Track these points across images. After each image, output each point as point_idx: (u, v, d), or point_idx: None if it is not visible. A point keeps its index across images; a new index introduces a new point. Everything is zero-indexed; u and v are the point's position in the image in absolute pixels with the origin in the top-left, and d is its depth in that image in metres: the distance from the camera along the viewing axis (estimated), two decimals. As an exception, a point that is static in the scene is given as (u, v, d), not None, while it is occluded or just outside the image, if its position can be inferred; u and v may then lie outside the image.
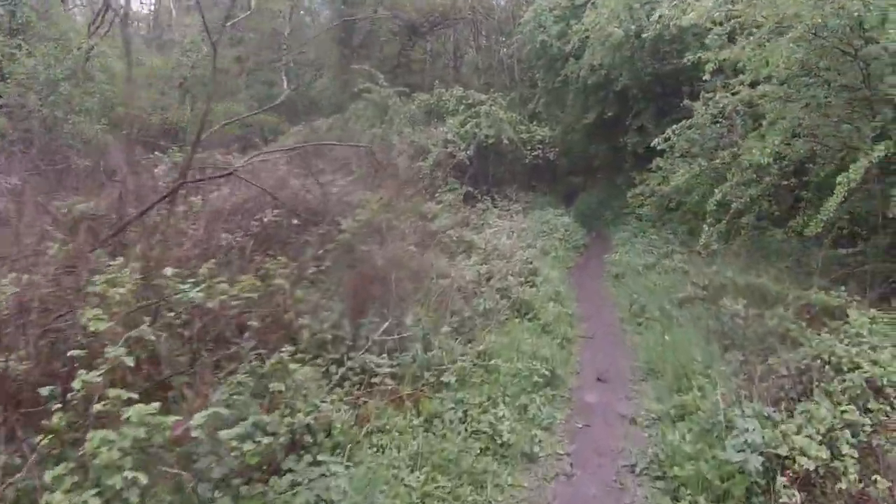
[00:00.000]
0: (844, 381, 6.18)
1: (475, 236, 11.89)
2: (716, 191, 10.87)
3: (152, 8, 44.88)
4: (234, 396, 5.12)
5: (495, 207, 18.59)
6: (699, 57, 10.82)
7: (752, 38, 9.77)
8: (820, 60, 10.12)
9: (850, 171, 8.00)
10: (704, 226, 10.85)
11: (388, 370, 6.83)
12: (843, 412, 5.59)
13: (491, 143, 19.69)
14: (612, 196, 23.54)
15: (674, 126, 12.14)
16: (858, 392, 6.03)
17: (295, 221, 9.37)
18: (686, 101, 14.37)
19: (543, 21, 21.47)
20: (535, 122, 21.53)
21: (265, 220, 9.14)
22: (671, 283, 11.18)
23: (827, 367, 6.56)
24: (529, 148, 19.89)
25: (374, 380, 6.73)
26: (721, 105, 12.56)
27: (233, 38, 34.03)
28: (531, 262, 11.64)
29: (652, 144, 13.55)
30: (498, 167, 20.68)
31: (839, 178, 7.97)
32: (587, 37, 17.99)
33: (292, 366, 5.89)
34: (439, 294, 8.32)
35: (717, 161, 11.63)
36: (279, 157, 11.69)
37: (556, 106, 23.21)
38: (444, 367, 6.97)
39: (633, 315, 10.40)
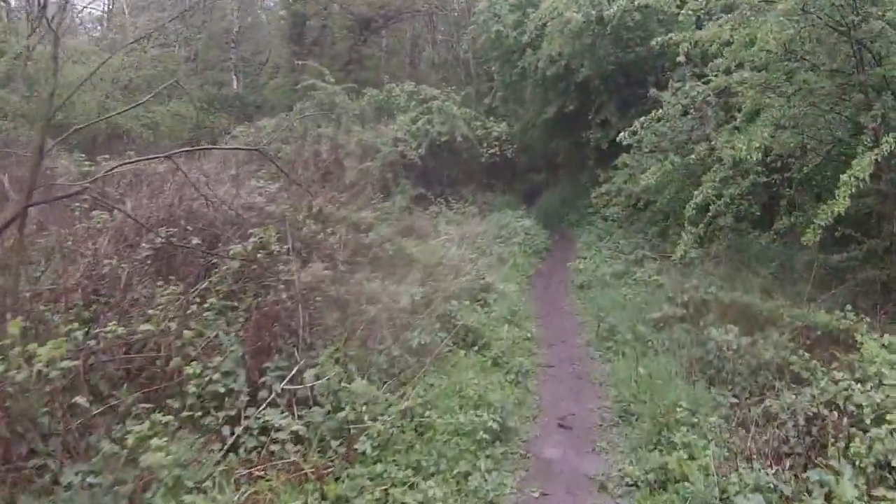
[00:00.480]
0: (869, 439, 4.81)
1: (418, 248, 10.31)
2: (695, 192, 9.48)
3: (106, 9, 42.43)
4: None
5: (449, 210, 17.09)
6: (670, 38, 9.42)
7: (732, 14, 8.37)
8: (806, 42, 8.83)
9: (854, 167, 6.65)
10: (683, 234, 9.46)
11: (291, 432, 5.30)
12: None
13: (444, 140, 18.23)
14: (576, 195, 22.23)
15: (641, 119, 10.75)
16: (888, 455, 4.68)
17: (196, 241, 7.70)
18: (653, 91, 13.08)
19: (498, 10, 20.04)
20: (492, 119, 20.03)
21: (158, 240, 7.45)
22: (644, 299, 9.81)
23: (843, 416, 5.20)
24: (486, 145, 18.43)
25: (273, 446, 5.22)
26: (692, 95, 11.22)
27: (180, 35, 32.15)
28: (483, 277, 10.13)
29: (617, 139, 12.21)
30: (452, 167, 19.19)
31: (843, 178, 6.63)
32: (545, 25, 16.57)
33: (155, 441, 4.43)
34: (365, 326, 6.77)
35: (692, 157, 10.26)
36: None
37: (514, 101, 21.82)
38: (362, 425, 5.43)
39: (602, 338, 8.95)
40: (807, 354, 6.30)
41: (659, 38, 10.14)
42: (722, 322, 7.31)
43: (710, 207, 9.68)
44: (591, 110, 18.17)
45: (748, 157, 7.62)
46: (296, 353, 6.17)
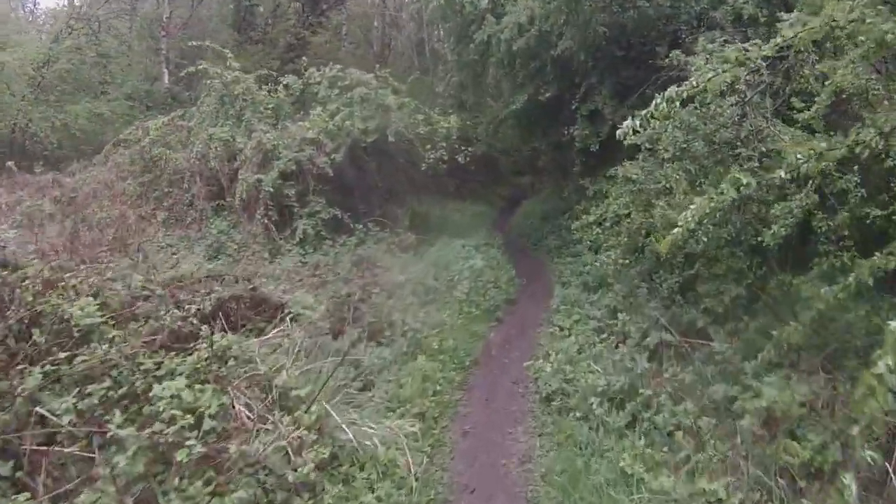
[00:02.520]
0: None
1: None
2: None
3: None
4: None
5: (373, 242, 11.84)
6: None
7: None
8: None
9: None
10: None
11: None
12: None
13: (371, 141, 12.93)
14: (558, 210, 17.07)
15: (658, 100, 5.46)
16: None
17: None
18: (675, 55, 7.91)
19: (452, -33, 14.85)
20: (437, 111, 14.60)
21: None
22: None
23: None
24: (430, 147, 13.11)
25: None
26: (752, 57, 6.00)
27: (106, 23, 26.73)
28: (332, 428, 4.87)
29: (618, 135, 7.05)
30: (386, 177, 13.87)
31: None
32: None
33: None
34: None
35: (774, 176, 5.07)
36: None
37: (474, 88, 16.56)
38: None
39: None
40: None
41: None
42: None
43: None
44: (574, 97, 12.96)
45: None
46: None
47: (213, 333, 5.72)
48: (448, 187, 23.26)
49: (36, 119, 19.59)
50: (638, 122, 5.30)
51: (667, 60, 8.30)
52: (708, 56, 7.38)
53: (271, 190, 12.22)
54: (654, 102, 5.26)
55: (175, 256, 9.41)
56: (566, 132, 13.20)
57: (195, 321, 5.94)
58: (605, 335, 7.80)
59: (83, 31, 23.58)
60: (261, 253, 12.31)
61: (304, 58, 16.31)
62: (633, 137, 7.19)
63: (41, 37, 22.85)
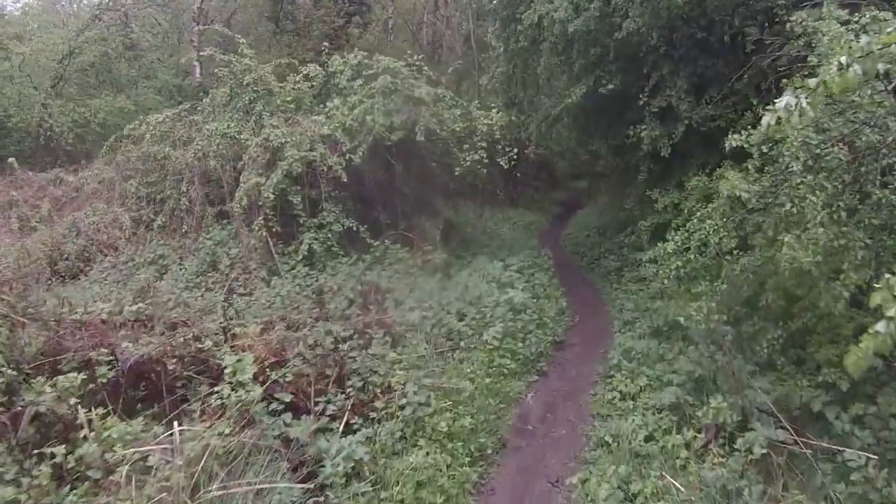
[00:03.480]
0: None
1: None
2: None
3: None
4: None
5: (393, 262, 9.82)
6: None
7: None
8: None
9: None
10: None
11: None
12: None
13: (397, 139, 10.89)
14: (618, 224, 14.75)
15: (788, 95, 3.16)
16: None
17: None
18: (800, 17, 5.64)
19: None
20: (476, 104, 12.33)
21: None
22: None
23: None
24: (468, 147, 10.92)
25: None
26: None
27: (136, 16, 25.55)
28: None
29: (728, 140, 4.84)
30: (419, 182, 11.78)
31: None
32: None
33: None
34: None
35: None
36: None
37: (523, 81, 14.32)
38: None
39: None
40: None
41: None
42: None
43: None
44: (642, 91, 10.63)
45: None
46: None
47: (90, 426, 3.75)
48: (496, 193, 21.13)
49: (55, 113, 18.40)
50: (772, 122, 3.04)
51: (788, 26, 5.98)
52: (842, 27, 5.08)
53: (272, 196, 10.33)
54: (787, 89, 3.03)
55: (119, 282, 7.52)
56: (631, 133, 10.87)
57: (75, 401, 3.99)
58: (683, 418, 5.52)
59: (111, 23, 22.48)
60: (258, 272, 10.49)
61: (325, 43, 14.29)
62: (737, 138, 5.05)
63: (67, 28, 21.51)
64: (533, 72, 13.57)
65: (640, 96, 10.55)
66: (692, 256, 6.47)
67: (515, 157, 11.60)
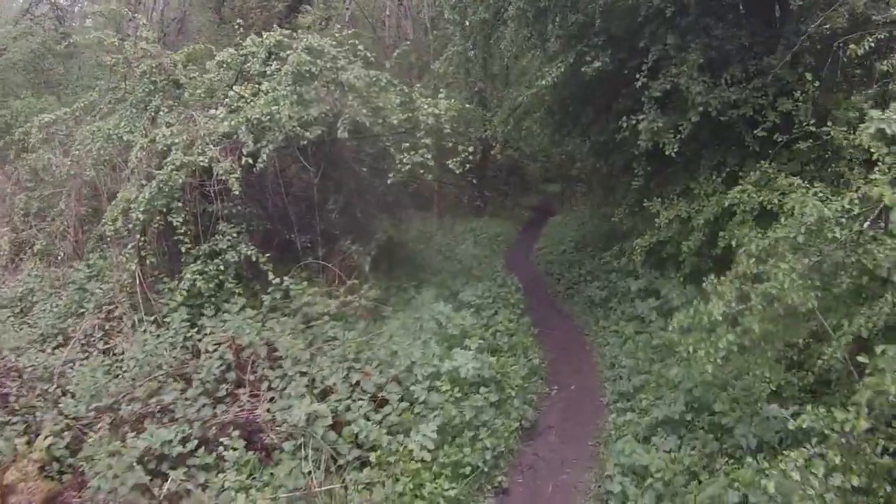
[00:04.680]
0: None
1: None
2: None
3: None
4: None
5: (312, 300, 7.04)
6: None
7: None
8: None
9: None
10: None
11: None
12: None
13: (313, 137, 7.99)
14: (600, 238, 12.22)
15: None
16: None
17: None
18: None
19: None
20: (418, 89, 9.42)
21: None
22: None
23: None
24: (409, 146, 8.08)
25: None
26: None
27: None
28: None
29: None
30: (347, 193, 8.95)
31: None
32: None
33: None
34: None
35: None
36: None
37: (485, 64, 11.56)
38: None
39: None
40: None
41: None
42: None
43: None
44: (640, 70, 7.93)
45: None
46: None
47: None
48: (460, 202, 18.43)
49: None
50: None
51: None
52: None
53: (141, 217, 7.47)
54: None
55: None
56: (623, 125, 8.21)
57: None
58: None
59: (46, 17, 19.76)
60: (129, 317, 7.70)
61: (239, 20, 11.39)
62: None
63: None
64: (497, 51, 10.83)
65: (637, 77, 7.86)
66: (754, 324, 3.80)
67: (472, 158, 8.84)
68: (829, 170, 6.28)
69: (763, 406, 4.66)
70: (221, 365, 5.94)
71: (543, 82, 8.80)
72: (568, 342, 8.66)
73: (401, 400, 5.22)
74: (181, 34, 26.04)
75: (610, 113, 9.24)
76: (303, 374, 5.62)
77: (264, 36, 9.53)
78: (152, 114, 9.18)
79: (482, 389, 5.66)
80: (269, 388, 5.47)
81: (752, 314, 3.81)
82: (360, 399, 5.21)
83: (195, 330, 6.94)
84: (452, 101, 8.81)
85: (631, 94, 8.38)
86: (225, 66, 9.85)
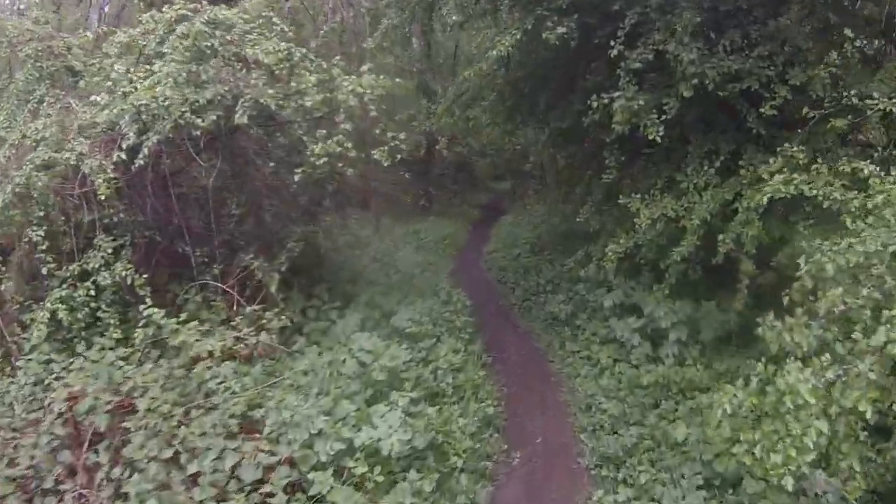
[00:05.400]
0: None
1: None
2: None
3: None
4: None
5: (178, 346, 5.21)
6: None
7: None
8: None
9: None
10: None
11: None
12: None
13: (207, 125, 6.11)
14: (559, 239, 10.78)
15: None
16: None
17: None
18: None
19: None
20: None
21: None
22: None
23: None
24: (325, 133, 6.34)
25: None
26: None
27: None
28: None
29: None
30: (252, 193, 7.17)
31: None
32: None
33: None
34: None
35: None
36: None
37: (427, 38, 9.88)
38: None
39: None
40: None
41: None
42: None
43: None
44: (615, 37, 6.34)
45: None
46: None
47: None
48: (402, 202, 16.71)
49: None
50: None
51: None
52: None
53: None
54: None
55: None
56: (594, 105, 6.62)
57: None
58: None
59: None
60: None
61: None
62: None
63: None
64: (439, 22, 9.15)
65: (613, 44, 6.28)
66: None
67: (405, 148, 7.15)
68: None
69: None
70: (52, 440, 4.18)
71: (495, 52, 7.12)
72: (528, 373, 7.05)
73: (289, 499, 3.49)
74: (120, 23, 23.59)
75: (574, 92, 7.65)
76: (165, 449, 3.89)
77: (164, 10, 7.68)
78: (35, 105, 7.31)
79: (413, 473, 3.98)
80: (108, 480, 3.72)
81: (854, 381, 2.24)
82: (232, 498, 3.47)
83: (53, 377, 5.15)
84: (382, 77, 7.08)
85: (602, 68, 6.83)
86: (126, 48, 7.99)
